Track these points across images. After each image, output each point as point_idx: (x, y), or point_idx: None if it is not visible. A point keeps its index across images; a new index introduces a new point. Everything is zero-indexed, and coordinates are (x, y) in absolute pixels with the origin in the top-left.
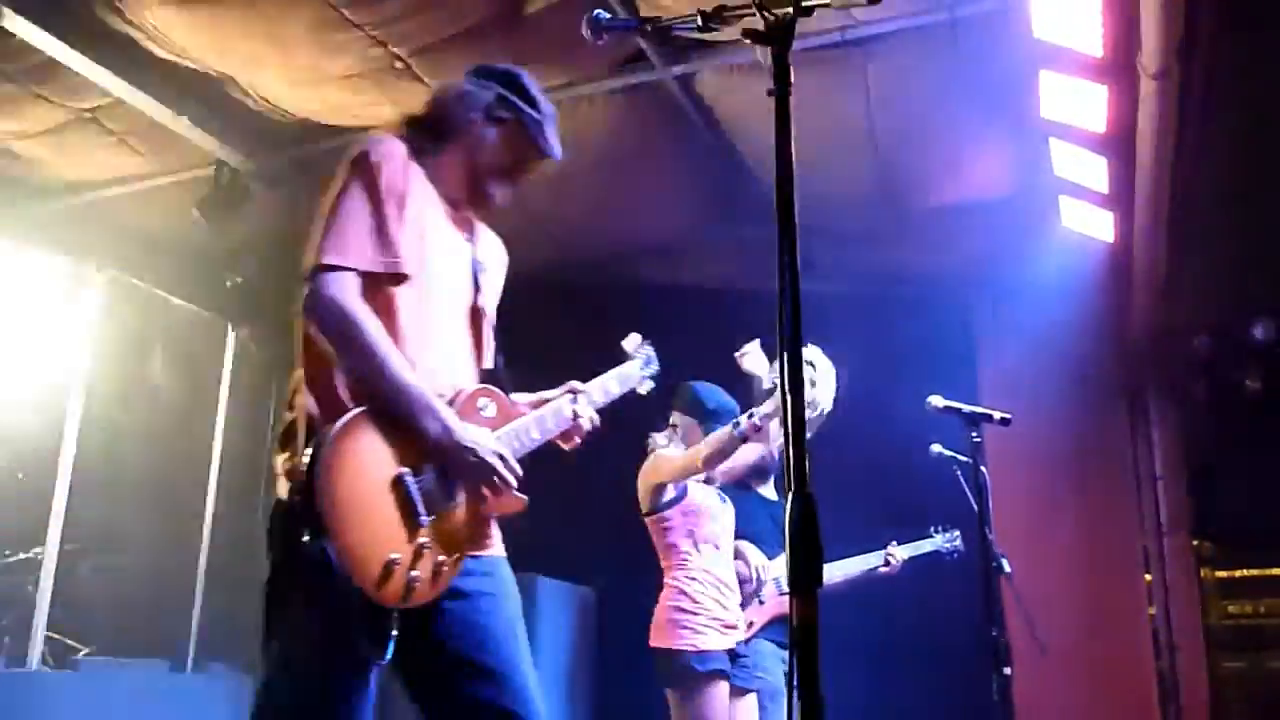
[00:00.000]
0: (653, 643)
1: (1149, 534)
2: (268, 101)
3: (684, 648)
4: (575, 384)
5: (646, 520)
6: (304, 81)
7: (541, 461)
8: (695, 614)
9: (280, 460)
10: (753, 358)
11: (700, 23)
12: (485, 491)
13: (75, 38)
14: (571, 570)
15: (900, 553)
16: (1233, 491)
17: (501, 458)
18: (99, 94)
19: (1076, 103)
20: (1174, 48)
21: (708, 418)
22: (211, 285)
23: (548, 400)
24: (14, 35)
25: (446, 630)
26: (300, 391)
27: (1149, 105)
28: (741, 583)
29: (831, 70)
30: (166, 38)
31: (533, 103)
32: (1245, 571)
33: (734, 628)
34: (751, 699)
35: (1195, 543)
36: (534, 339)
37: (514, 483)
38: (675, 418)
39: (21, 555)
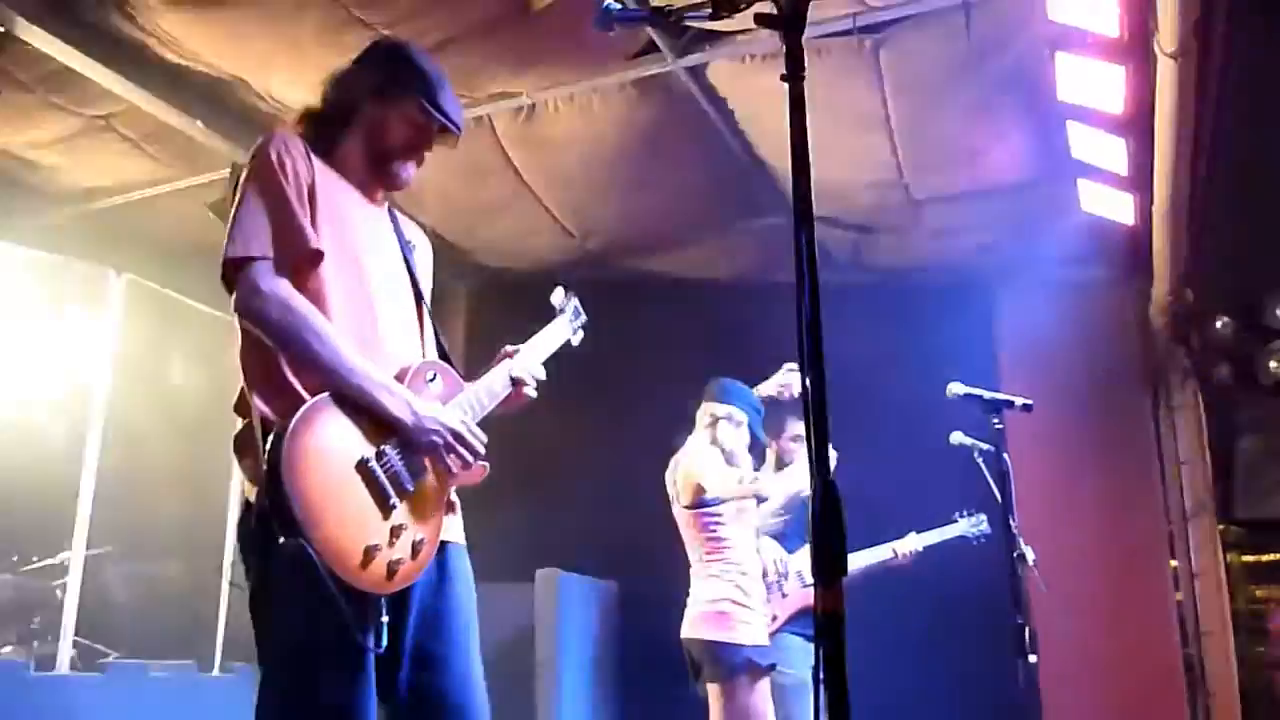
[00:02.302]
0: (698, 635)
1: (1174, 519)
2: (280, 103)
3: (740, 641)
4: (509, 348)
5: (690, 512)
6: (316, 82)
7: (564, 459)
8: (748, 607)
9: (242, 467)
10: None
11: (712, 10)
12: (453, 463)
13: (88, 45)
14: (594, 566)
15: (910, 545)
16: (1258, 475)
17: (465, 424)
18: (113, 100)
19: (1093, 84)
20: (1191, 27)
21: (752, 410)
22: None
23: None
24: (28, 44)
25: (404, 616)
26: (248, 396)
27: (1167, 85)
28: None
29: (844, 57)
30: (178, 42)
31: (421, 74)
32: (1272, 556)
33: (770, 621)
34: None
35: (1220, 527)
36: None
37: (481, 450)
38: (720, 409)
39: (48, 560)
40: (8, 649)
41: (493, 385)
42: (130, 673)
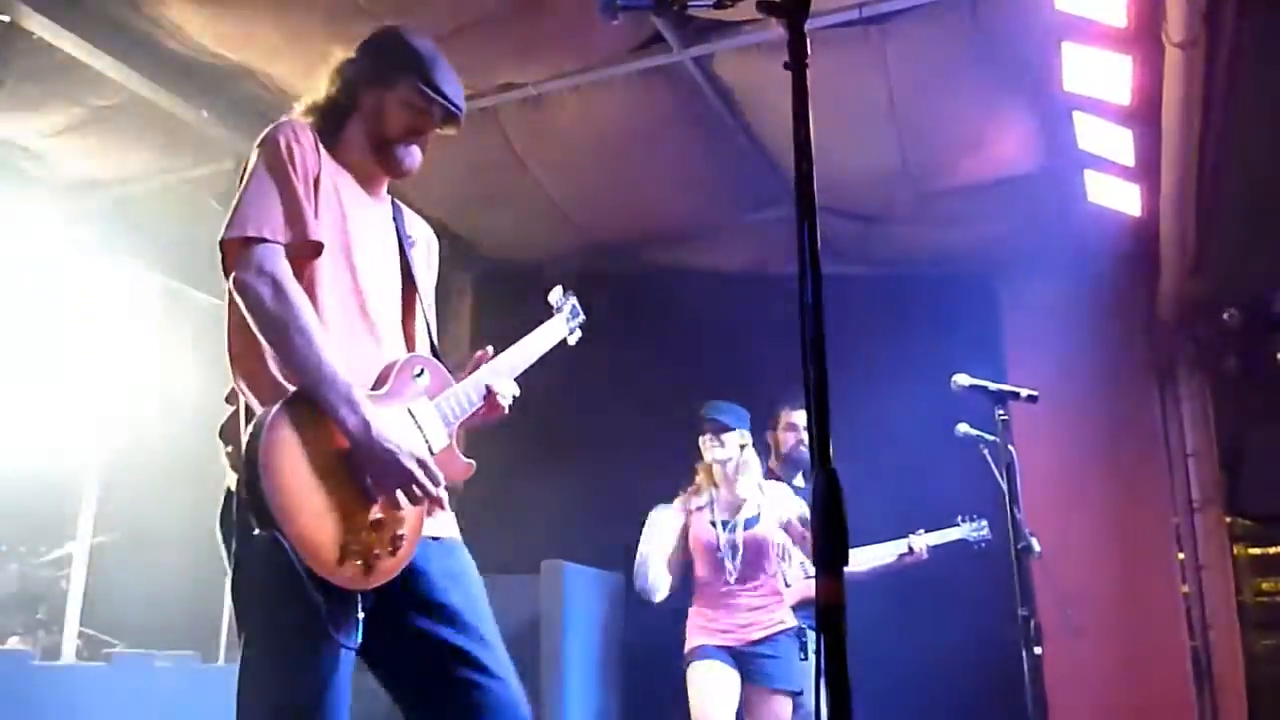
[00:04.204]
0: None
1: (1180, 511)
2: (286, 93)
3: (685, 651)
4: (478, 353)
5: None
6: (322, 73)
7: (569, 451)
8: (690, 624)
9: (226, 455)
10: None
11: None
12: (401, 497)
13: (93, 35)
14: (599, 557)
15: (924, 541)
16: (1266, 467)
17: (422, 464)
18: (118, 90)
19: (1100, 75)
20: (1200, 16)
21: (734, 420)
22: None
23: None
24: (33, 33)
25: (413, 611)
26: (236, 381)
27: (1174, 75)
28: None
29: (850, 48)
30: (184, 33)
31: (416, 55)
32: (1279, 549)
33: (726, 631)
34: (776, 699)
35: (1228, 520)
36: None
37: (433, 489)
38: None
39: (53, 551)
40: (13, 639)
41: (480, 385)
42: (135, 663)
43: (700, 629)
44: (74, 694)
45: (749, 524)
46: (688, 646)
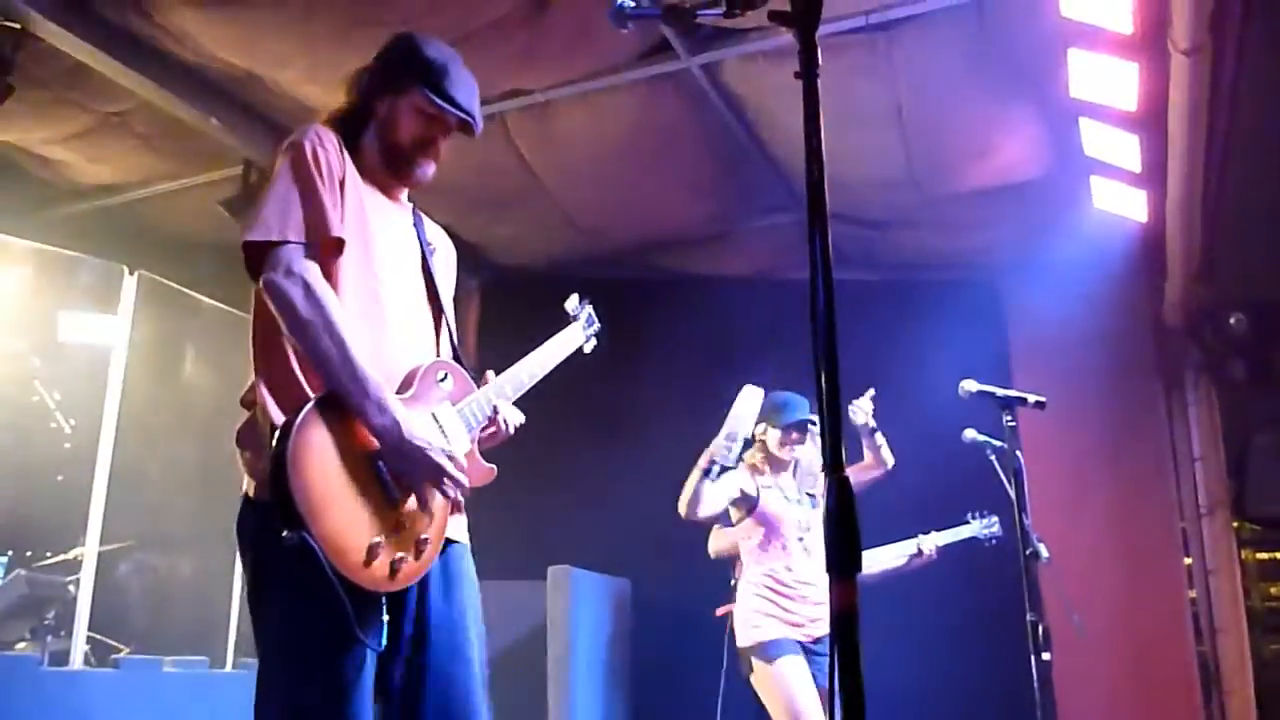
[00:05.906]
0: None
1: (1188, 516)
2: (295, 100)
3: (752, 643)
4: (489, 375)
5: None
6: (329, 79)
7: (576, 457)
8: (757, 611)
9: (241, 459)
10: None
11: (725, 8)
12: (431, 491)
13: (104, 42)
14: (606, 563)
15: (932, 542)
16: (1273, 472)
17: (451, 458)
18: (128, 97)
19: (1106, 81)
20: (1206, 23)
21: (774, 416)
22: (241, 284)
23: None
24: (44, 40)
25: (402, 614)
26: (257, 386)
27: (1180, 82)
28: None
29: (857, 55)
30: (193, 39)
31: (426, 63)
32: None
33: (799, 625)
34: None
35: (1235, 524)
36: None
37: (465, 482)
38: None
39: (62, 556)
40: (22, 644)
41: (504, 391)
42: (143, 668)
43: (772, 618)
44: (82, 699)
45: (814, 504)
46: (759, 637)
